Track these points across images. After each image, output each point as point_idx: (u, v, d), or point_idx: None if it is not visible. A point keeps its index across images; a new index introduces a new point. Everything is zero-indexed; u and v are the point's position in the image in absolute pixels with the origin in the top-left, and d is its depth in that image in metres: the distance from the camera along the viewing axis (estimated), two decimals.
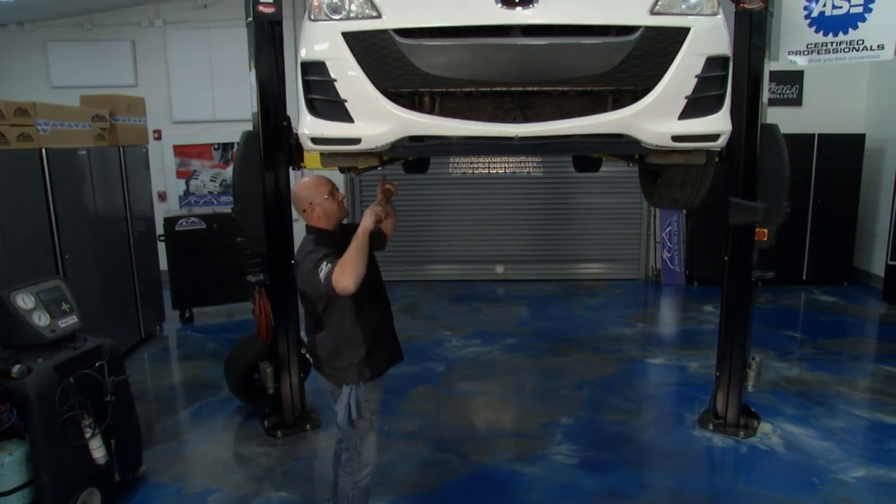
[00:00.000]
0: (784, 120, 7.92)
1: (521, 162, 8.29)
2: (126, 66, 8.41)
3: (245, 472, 3.99)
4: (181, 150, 8.68)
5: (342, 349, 2.93)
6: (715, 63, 2.64)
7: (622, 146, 2.72)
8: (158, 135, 8.50)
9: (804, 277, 8.14)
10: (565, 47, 2.52)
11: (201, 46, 8.38)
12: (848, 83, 8.16)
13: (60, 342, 3.45)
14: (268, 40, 3.98)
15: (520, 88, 2.55)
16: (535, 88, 2.54)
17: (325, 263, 2.69)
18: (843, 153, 7.85)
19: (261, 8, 3.91)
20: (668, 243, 8.36)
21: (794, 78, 8.21)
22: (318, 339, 2.99)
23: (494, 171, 8.31)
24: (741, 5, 3.87)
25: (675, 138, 2.64)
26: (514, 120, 2.60)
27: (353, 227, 2.90)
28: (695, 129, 2.66)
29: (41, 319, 3.39)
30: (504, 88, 2.56)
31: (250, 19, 3.95)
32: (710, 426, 4.39)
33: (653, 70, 2.56)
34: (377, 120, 2.65)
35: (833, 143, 7.84)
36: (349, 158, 2.94)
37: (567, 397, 4.97)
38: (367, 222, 2.75)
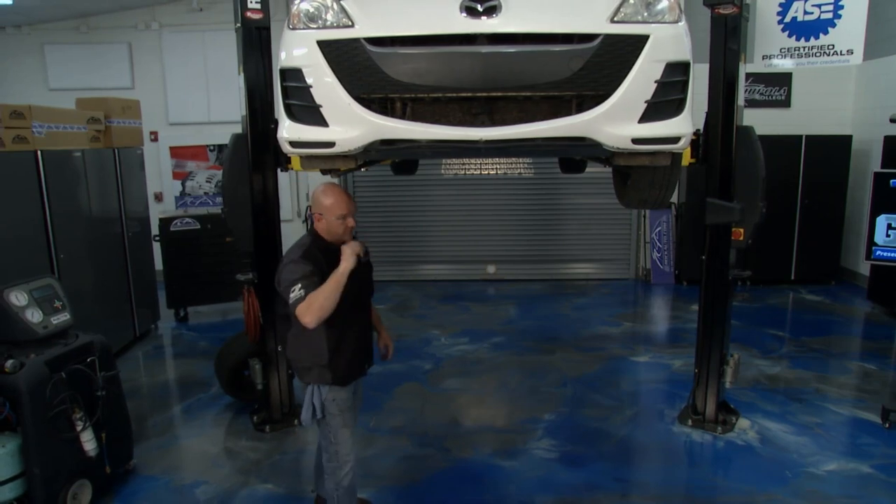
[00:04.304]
0: (772, 122, 8.11)
1: (511, 163, 8.39)
2: (122, 69, 8.54)
3: (233, 466, 4.10)
4: (177, 152, 8.80)
5: (305, 350, 2.97)
6: (675, 69, 2.74)
7: (584, 149, 2.83)
8: (155, 136, 8.63)
9: (792, 277, 8.26)
10: (527, 55, 2.63)
11: (196, 49, 8.50)
12: (835, 85, 8.26)
13: (52, 338, 3.55)
14: (255, 45, 4.08)
15: (484, 94, 2.66)
16: (500, 94, 2.65)
17: (298, 286, 2.73)
18: (831, 154, 7.96)
19: (249, 14, 4.01)
20: (658, 243, 8.47)
21: (782, 80, 8.32)
22: (288, 336, 3.06)
23: (486, 173, 8.41)
24: (716, 10, 3.97)
25: (636, 141, 2.74)
26: (482, 124, 2.70)
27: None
28: (655, 133, 2.76)
29: (34, 316, 3.49)
30: (470, 94, 2.67)
31: (238, 25, 4.05)
32: (689, 422, 4.49)
33: (613, 76, 2.67)
34: (350, 124, 2.75)
35: (820, 144, 7.95)
36: (326, 161, 3.05)
37: (550, 394, 5.07)
38: (348, 262, 2.79)
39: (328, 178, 5.04)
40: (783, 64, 4.39)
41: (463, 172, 8.42)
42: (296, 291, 2.73)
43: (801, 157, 7.98)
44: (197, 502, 3.69)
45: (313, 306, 2.70)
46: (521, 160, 8.30)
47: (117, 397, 3.82)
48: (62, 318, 3.64)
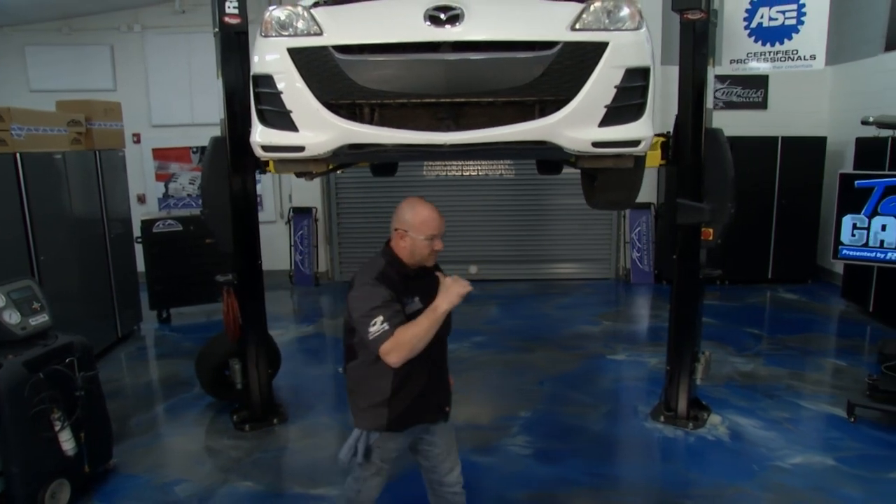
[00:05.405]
0: (750, 123, 8.24)
1: (492, 164, 8.49)
2: (105, 71, 8.56)
3: (213, 464, 4.15)
4: (160, 154, 8.83)
5: (365, 386, 2.65)
6: (635, 74, 2.84)
7: (546, 152, 2.92)
8: (137, 138, 8.65)
9: (769, 276, 8.39)
10: (489, 61, 2.72)
11: (180, 51, 8.54)
12: (811, 88, 8.40)
13: (31, 339, 3.58)
14: (234, 50, 4.13)
15: (449, 100, 2.74)
16: (464, 100, 2.74)
17: (380, 319, 2.40)
18: (806, 155, 8.10)
19: (227, 19, 4.06)
20: (638, 243, 8.57)
21: (759, 82, 8.46)
22: (349, 366, 2.74)
23: (468, 174, 8.49)
24: (685, 16, 4.06)
25: (596, 144, 2.83)
26: (447, 128, 2.79)
27: (429, 272, 2.71)
28: (615, 136, 2.85)
29: (11, 317, 3.53)
30: (435, 100, 2.75)
31: (217, 29, 4.11)
32: (662, 418, 4.58)
33: (573, 81, 2.75)
34: (319, 129, 2.83)
35: (796, 145, 8.08)
36: (299, 164, 3.11)
37: (528, 392, 5.15)
38: (450, 302, 2.46)
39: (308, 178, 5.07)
40: (750, 68, 4.51)
41: (445, 173, 8.50)
42: (377, 325, 2.40)
43: (777, 158, 8.11)
44: (177, 500, 3.74)
45: (402, 347, 2.38)
46: (502, 161, 8.39)
47: (97, 397, 3.86)
48: (41, 319, 3.67)
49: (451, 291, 2.48)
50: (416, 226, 2.58)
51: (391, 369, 2.52)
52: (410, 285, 2.59)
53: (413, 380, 2.61)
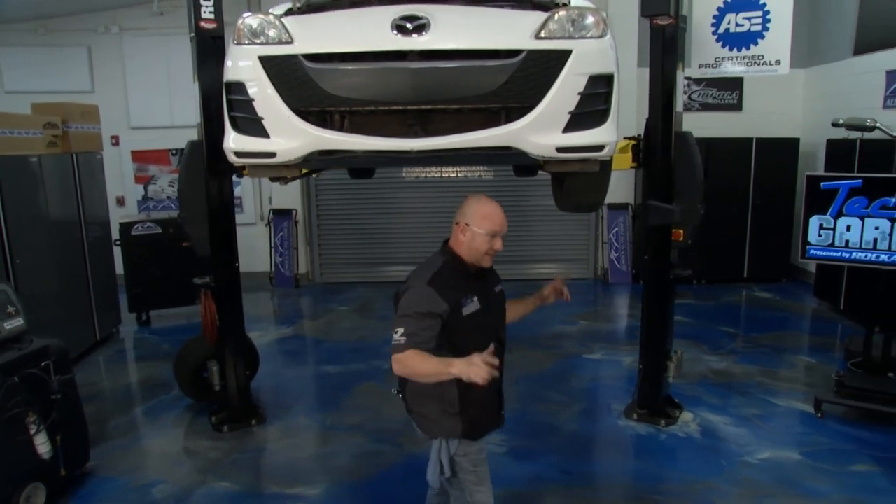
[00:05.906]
0: (725, 125, 8.36)
1: (471, 166, 8.55)
2: (82, 73, 8.51)
3: (191, 465, 4.18)
4: (139, 156, 8.79)
5: (428, 396, 2.57)
6: (598, 81, 2.91)
7: (511, 157, 3.00)
8: (116, 140, 8.61)
9: (745, 275, 8.52)
10: (455, 69, 2.79)
11: (159, 53, 8.50)
12: (784, 90, 8.54)
13: (6, 343, 3.58)
14: (210, 54, 4.15)
15: (415, 107, 2.81)
16: (430, 107, 2.80)
17: (401, 331, 2.39)
18: (780, 156, 8.23)
19: (202, 24, 4.09)
20: (615, 244, 8.68)
21: (734, 84, 8.59)
22: (407, 388, 2.65)
23: (447, 175, 8.55)
24: (654, 21, 4.15)
25: (560, 149, 2.91)
26: (415, 134, 2.86)
27: (488, 274, 2.71)
28: (579, 141, 2.93)
29: None
30: (402, 107, 2.81)
31: (193, 34, 4.13)
32: (635, 416, 4.66)
33: (537, 88, 2.83)
34: (289, 136, 2.89)
35: (770, 146, 8.22)
36: (272, 169, 3.16)
37: (504, 391, 5.19)
38: (465, 372, 2.25)
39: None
40: (718, 72, 4.62)
41: (424, 175, 8.55)
42: (397, 335, 2.40)
43: (752, 158, 8.25)
44: (154, 501, 3.76)
45: (406, 369, 2.39)
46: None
47: (73, 400, 3.86)
48: (15, 323, 3.67)
49: (473, 366, 2.24)
50: (477, 219, 2.56)
51: (453, 381, 2.43)
52: (471, 284, 2.57)
53: (476, 388, 2.39)
